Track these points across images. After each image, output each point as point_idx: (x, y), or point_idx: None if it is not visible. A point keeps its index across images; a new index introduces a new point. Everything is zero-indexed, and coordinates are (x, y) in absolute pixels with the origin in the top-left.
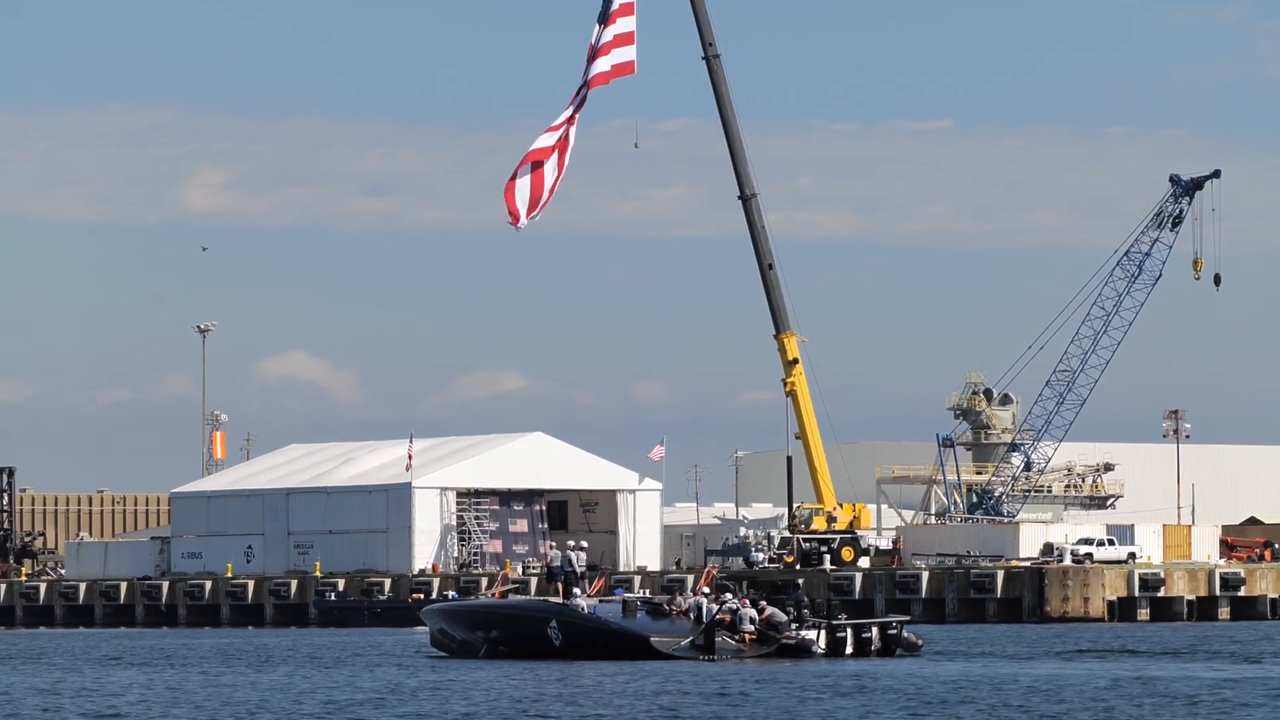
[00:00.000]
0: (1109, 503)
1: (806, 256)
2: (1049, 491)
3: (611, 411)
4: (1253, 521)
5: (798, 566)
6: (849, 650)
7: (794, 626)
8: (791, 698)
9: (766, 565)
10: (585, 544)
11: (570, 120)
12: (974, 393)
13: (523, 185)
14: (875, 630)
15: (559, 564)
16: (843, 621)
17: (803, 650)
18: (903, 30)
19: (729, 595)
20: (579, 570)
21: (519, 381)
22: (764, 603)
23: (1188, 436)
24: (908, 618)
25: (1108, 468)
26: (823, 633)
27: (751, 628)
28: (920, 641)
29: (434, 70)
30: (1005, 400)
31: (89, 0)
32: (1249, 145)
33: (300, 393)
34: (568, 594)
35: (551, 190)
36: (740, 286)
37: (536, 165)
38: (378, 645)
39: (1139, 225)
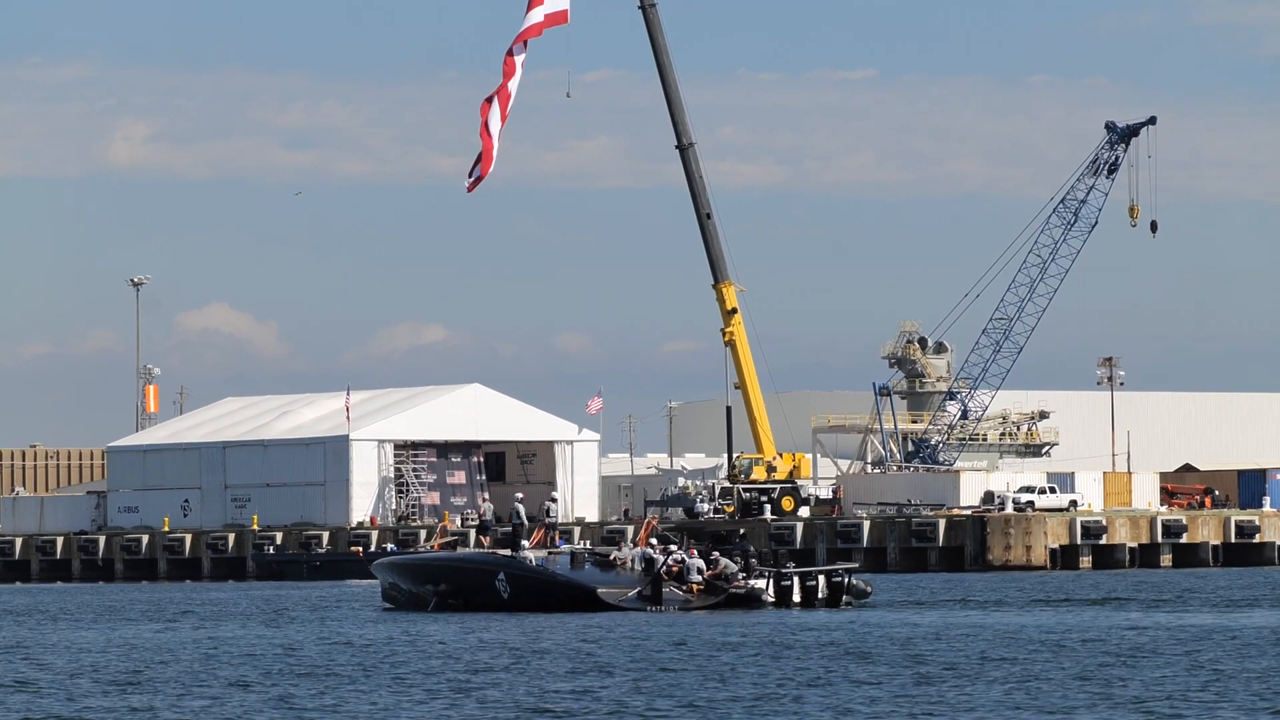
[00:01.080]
0: (1044, 451)
1: (730, 207)
2: (984, 440)
3: (534, 363)
4: (1187, 468)
5: (738, 517)
6: (796, 599)
7: (742, 576)
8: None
9: (712, 516)
10: (556, 495)
11: (511, 73)
12: (909, 341)
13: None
14: (822, 579)
15: (490, 517)
16: (789, 570)
17: (753, 599)
18: None
19: (674, 546)
20: (552, 521)
21: (441, 334)
22: (715, 554)
23: (1122, 384)
24: (856, 565)
25: (1043, 415)
26: (770, 582)
27: (699, 578)
28: (870, 589)
29: (356, 23)
30: (940, 348)
31: None
32: (1172, 94)
33: (222, 346)
34: (514, 546)
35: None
36: (663, 238)
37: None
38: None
39: (1074, 173)
